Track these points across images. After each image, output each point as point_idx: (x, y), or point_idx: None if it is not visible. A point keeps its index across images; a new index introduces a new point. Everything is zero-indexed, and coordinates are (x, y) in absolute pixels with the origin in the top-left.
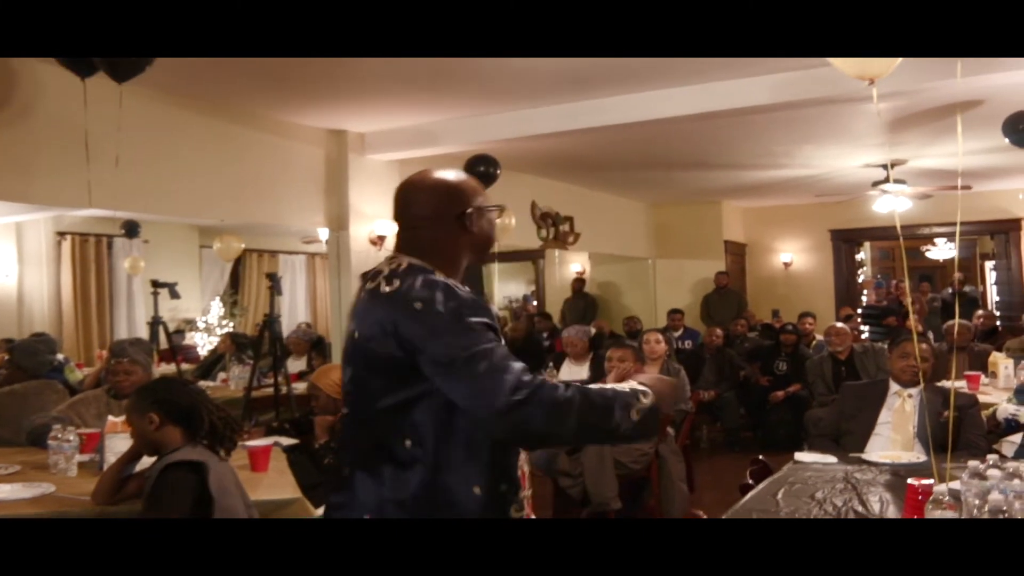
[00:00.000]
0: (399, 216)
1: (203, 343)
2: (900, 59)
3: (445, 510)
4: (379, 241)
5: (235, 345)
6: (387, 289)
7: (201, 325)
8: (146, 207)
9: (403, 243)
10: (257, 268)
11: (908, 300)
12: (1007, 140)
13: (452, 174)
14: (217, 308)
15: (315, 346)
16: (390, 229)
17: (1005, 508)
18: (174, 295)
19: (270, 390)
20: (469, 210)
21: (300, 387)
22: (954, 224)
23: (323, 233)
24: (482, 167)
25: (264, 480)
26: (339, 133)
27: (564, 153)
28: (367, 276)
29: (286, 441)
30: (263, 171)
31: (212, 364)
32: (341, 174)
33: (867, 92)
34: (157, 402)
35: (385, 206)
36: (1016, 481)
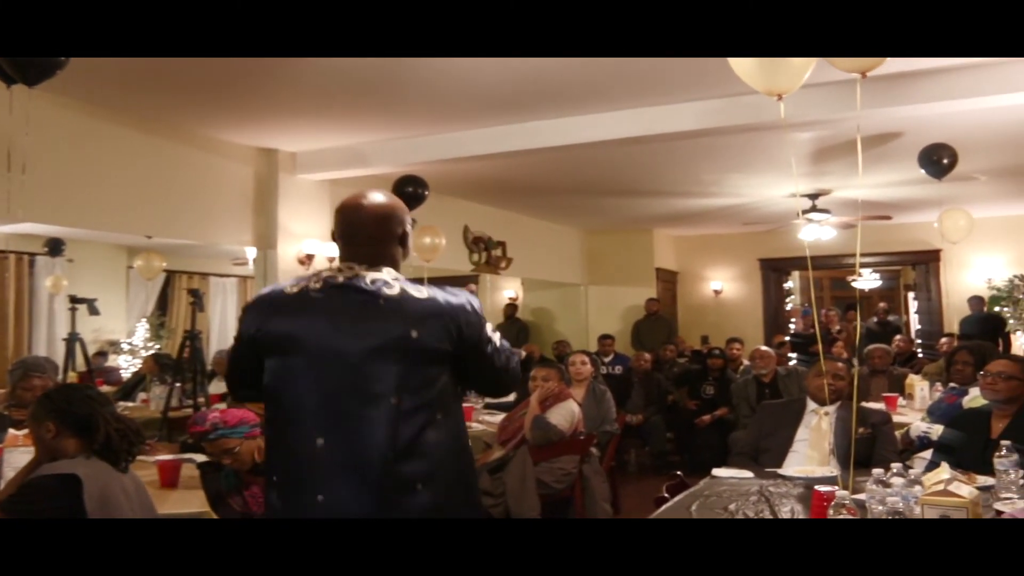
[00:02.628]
0: (350, 234)
1: (127, 365)
2: (806, 76)
3: (467, 461)
4: (307, 260)
5: (158, 366)
6: (419, 295)
7: (126, 347)
8: (68, 219)
9: (353, 255)
10: (186, 289)
11: (835, 328)
12: (923, 171)
13: (392, 197)
14: (143, 330)
15: None
16: (319, 248)
17: (903, 510)
18: (93, 311)
19: (191, 410)
20: (407, 229)
21: (222, 407)
22: (877, 255)
23: (251, 252)
24: (410, 187)
25: (173, 495)
26: (270, 152)
27: (497, 178)
28: (345, 283)
29: (200, 458)
30: (190, 187)
31: (134, 385)
32: (271, 193)
33: (789, 120)
34: (54, 411)
35: (315, 225)
36: (917, 488)
